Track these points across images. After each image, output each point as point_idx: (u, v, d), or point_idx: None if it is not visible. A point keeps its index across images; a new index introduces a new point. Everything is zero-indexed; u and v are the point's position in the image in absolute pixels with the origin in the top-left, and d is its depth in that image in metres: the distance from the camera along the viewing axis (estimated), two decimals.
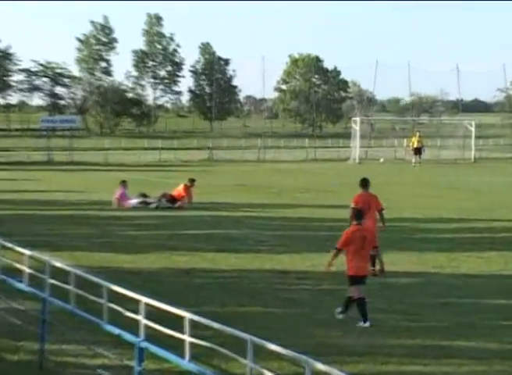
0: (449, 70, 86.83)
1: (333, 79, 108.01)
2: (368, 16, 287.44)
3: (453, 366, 9.84)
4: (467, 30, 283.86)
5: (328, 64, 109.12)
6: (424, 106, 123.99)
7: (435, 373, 9.70)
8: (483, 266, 16.64)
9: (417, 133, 54.45)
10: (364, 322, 11.84)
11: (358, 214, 12.65)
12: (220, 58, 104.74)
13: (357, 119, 61.37)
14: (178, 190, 27.49)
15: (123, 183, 27.49)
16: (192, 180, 27.93)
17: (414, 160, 52.28)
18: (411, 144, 53.99)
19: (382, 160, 56.06)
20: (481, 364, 9.87)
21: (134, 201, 26.82)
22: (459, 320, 12.09)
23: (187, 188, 27.44)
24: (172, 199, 27.04)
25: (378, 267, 15.38)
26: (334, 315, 12.32)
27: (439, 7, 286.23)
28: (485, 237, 20.73)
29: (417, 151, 52.48)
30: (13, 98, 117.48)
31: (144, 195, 27.47)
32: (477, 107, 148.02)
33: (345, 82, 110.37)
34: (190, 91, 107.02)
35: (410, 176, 42.38)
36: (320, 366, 6.32)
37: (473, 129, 61.19)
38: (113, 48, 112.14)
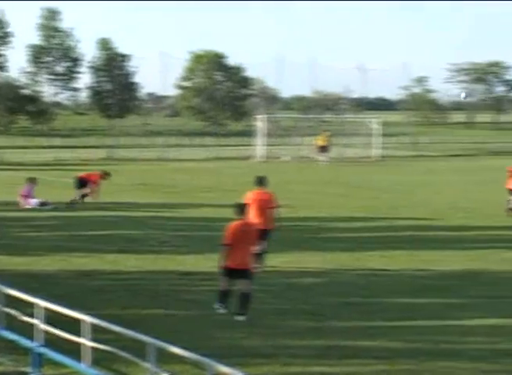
0: (353, 68, 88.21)
1: (236, 76, 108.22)
2: (272, 12, 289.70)
3: (358, 366, 10.01)
4: (371, 27, 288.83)
5: (232, 61, 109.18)
6: (328, 104, 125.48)
7: (339, 374, 9.84)
8: (387, 264, 16.97)
9: (325, 132, 55.60)
10: (220, 308, 12.56)
11: (241, 209, 13.02)
12: (120, 54, 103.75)
13: (261, 116, 61.73)
14: (90, 173, 27.77)
15: (31, 180, 26.97)
16: (106, 174, 28.11)
17: (320, 158, 53.26)
18: (318, 142, 55.08)
19: (286, 158, 56.52)
20: (384, 363, 10.07)
21: (34, 201, 26.34)
22: (363, 320, 12.30)
23: (99, 178, 27.53)
24: (81, 181, 27.04)
25: (260, 265, 15.75)
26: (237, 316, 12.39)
27: (343, 5, 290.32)
28: (389, 235, 21.14)
29: (323, 149, 53.59)
30: None
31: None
32: (381, 105, 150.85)
33: (248, 79, 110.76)
34: (89, 87, 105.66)
35: (314, 175, 42.83)
36: (223, 369, 6.35)
37: (377, 127, 62.28)
38: (8, 42, 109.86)
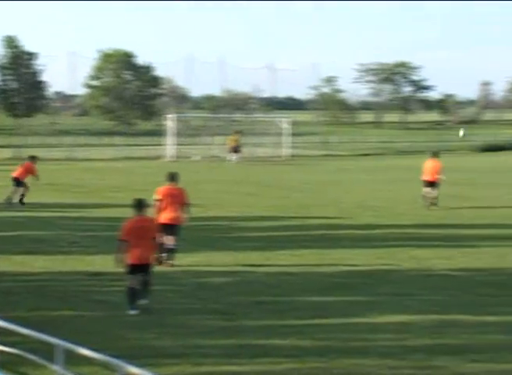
0: (263, 67, 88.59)
1: (145, 75, 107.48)
2: (181, 11, 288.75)
3: (269, 365, 10.07)
4: (281, 27, 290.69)
5: (142, 60, 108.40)
6: (238, 103, 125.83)
7: (250, 373, 9.88)
8: (297, 263, 17.11)
9: (237, 132, 56.22)
10: (132, 310, 12.62)
11: (138, 205, 13.27)
12: (27, 53, 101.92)
13: (171, 116, 61.52)
14: (17, 170, 27.63)
15: None
16: (32, 157, 28.30)
17: (230, 157, 53.82)
18: (229, 142, 55.67)
19: (196, 158, 56.47)
20: (295, 362, 10.15)
21: None
22: (274, 319, 12.37)
23: (31, 165, 27.70)
24: (17, 181, 27.00)
25: (170, 261, 16.42)
26: (147, 316, 12.33)
27: (252, 4, 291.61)
28: (300, 234, 21.32)
29: (235, 149, 54.21)
30: None
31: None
32: (291, 104, 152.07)
33: (158, 78, 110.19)
34: None
35: (225, 174, 42.88)
36: (133, 370, 6.31)
37: (287, 126, 62.75)
38: None
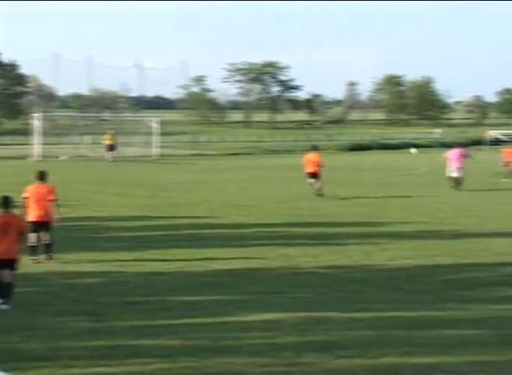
0: (131, 66, 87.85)
1: (11, 73, 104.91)
2: (48, 8, 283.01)
3: (139, 365, 10.00)
4: (149, 25, 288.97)
5: (6, 57, 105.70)
6: (106, 102, 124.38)
7: (120, 374, 9.79)
8: (168, 263, 17.06)
9: (110, 131, 56.21)
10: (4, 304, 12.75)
11: (3, 202, 13.32)
12: None
13: (37, 115, 60.31)
14: None
15: None
16: None
17: (107, 157, 53.83)
18: (105, 141, 55.80)
19: (63, 157, 55.58)
20: (166, 361, 10.12)
21: None
22: (145, 319, 12.30)
23: None
24: None
25: (50, 254, 16.99)
26: (14, 319, 12.04)
27: (123, 4, 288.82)
28: (170, 234, 21.27)
29: (110, 148, 54.43)
30: None
31: None
32: (160, 103, 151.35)
33: (23, 76, 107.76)
34: None
35: (94, 174, 42.31)
36: None
37: (156, 126, 62.49)
38: None
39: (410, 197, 32.11)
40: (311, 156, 32.96)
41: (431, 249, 19.15)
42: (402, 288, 14.84)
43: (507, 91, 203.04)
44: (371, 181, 40.36)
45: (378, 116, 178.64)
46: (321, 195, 31.13)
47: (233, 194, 32.77)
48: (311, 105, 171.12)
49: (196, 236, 21.02)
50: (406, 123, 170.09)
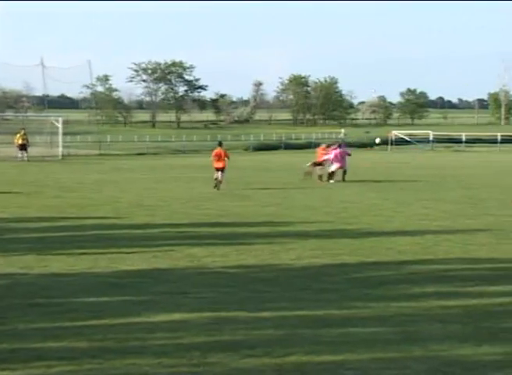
0: (34, 65, 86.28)
1: None
2: None
3: (43, 368, 9.83)
4: (53, 23, 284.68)
5: None
6: (9, 101, 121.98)
7: None
8: (73, 264, 16.83)
9: (22, 131, 56.55)
10: None
11: None
12: None
13: None
14: None
15: None
16: None
17: (22, 155, 54.44)
18: (17, 140, 56.37)
19: None
20: (70, 364, 9.97)
21: None
22: (49, 321, 12.10)
23: None
24: None
25: None
26: None
27: (18, 2, 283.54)
28: (75, 235, 20.99)
29: (22, 147, 55.17)
30: None
31: None
32: (64, 103, 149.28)
33: None
34: None
35: None
36: None
37: (60, 125, 61.58)
38: None
39: (315, 196, 32.46)
40: (218, 151, 36.19)
41: (336, 248, 19.38)
42: (308, 287, 14.98)
43: (410, 91, 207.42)
44: (277, 181, 40.63)
45: (285, 115, 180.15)
46: (219, 189, 34.50)
47: (139, 194, 32.55)
48: (217, 104, 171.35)
49: (102, 236, 20.80)
50: (312, 123, 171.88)
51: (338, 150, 42.20)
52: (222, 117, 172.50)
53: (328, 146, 43.93)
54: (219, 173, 35.48)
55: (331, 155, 41.56)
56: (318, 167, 41.92)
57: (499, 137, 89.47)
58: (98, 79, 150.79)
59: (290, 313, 12.84)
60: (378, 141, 46.82)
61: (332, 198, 31.70)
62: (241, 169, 44.30)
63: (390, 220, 25.02)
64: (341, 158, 41.34)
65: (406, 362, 10.22)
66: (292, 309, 13.08)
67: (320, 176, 40.94)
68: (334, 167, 41.26)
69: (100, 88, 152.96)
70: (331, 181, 40.10)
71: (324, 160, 41.94)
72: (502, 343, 11.11)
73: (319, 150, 43.82)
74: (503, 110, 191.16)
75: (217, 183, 35.24)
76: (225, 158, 35.83)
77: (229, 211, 27.08)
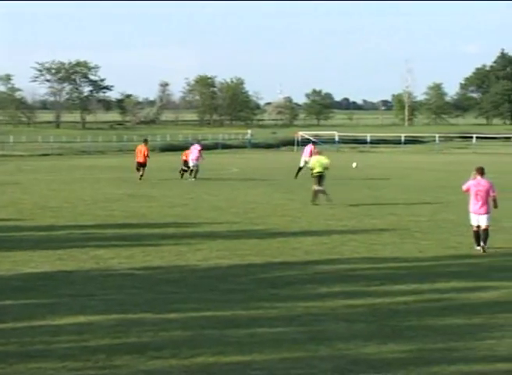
0: None
1: None
2: None
3: None
4: None
5: None
6: None
7: None
8: None
9: None
10: None
11: None
12: None
13: None
14: None
15: None
16: None
17: None
18: None
19: None
20: None
21: None
22: None
23: None
24: None
25: None
26: None
27: None
28: None
29: None
30: None
31: None
32: None
33: None
34: None
35: None
36: None
37: None
38: None
39: (222, 197, 32.52)
40: (141, 147, 41.36)
41: (243, 249, 19.45)
42: (215, 288, 14.99)
43: (316, 92, 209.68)
44: (186, 182, 40.55)
45: (191, 116, 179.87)
46: (140, 179, 39.87)
47: (43, 195, 32.03)
48: (123, 105, 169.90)
49: (4, 239, 20.39)
50: (218, 124, 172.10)
51: None
52: (127, 118, 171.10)
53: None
54: (140, 167, 40.60)
55: None
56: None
57: (402, 138, 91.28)
58: (0, 78, 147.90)
59: (197, 314, 12.83)
60: (354, 165, 47.37)
61: (238, 199, 31.80)
62: (148, 170, 43.87)
63: (297, 220, 25.24)
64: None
65: (312, 361, 10.32)
66: (199, 310, 13.07)
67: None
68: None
69: (1, 88, 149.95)
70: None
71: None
72: (406, 341, 11.33)
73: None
74: (406, 111, 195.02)
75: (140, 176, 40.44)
76: (147, 155, 40.92)
77: (135, 212, 26.89)
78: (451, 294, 14.61)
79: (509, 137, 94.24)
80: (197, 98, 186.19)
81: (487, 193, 19.84)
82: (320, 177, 31.09)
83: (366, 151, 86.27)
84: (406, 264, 17.82)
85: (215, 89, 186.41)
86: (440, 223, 24.85)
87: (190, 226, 23.65)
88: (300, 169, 42.89)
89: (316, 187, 30.73)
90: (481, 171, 20.18)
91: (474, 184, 20.11)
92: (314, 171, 31.36)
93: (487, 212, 19.90)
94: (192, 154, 42.35)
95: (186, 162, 43.23)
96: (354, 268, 17.18)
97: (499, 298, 14.34)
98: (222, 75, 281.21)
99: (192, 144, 45.38)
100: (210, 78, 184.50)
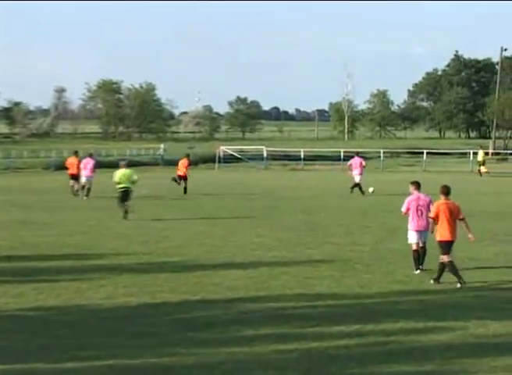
0: None
1: None
2: None
3: None
4: None
5: None
6: None
7: None
8: None
9: None
10: None
11: None
12: None
13: None
14: None
15: None
16: None
17: None
18: None
19: None
20: None
21: None
22: None
23: None
24: None
25: None
26: None
27: None
28: None
29: None
30: None
31: None
32: None
33: None
34: None
35: None
36: None
37: None
38: None
39: (130, 223, 32.35)
40: (72, 160, 46.89)
41: (155, 285, 19.38)
42: (122, 331, 14.91)
43: (240, 100, 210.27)
44: (88, 206, 40.26)
45: (93, 128, 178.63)
46: (77, 195, 44.45)
47: None
48: (11, 114, 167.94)
49: None
50: (126, 137, 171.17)
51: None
52: (16, 130, 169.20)
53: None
54: (73, 180, 45.50)
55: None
56: None
57: (342, 154, 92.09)
58: None
59: (100, 363, 12.73)
60: (371, 190, 48.58)
61: (149, 225, 31.67)
62: (40, 192, 43.56)
63: (219, 251, 25.24)
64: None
65: None
66: (102, 358, 12.98)
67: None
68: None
69: None
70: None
71: None
72: None
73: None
74: (346, 123, 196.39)
75: (72, 191, 44.60)
76: (78, 166, 45.44)
77: (24, 242, 26.58)
78: (399, 336, 14.79)
79: (464, 153, 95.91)
80: (100, 106, 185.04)
81: (428, 208, 21.02)
82: (126, 193, 34.12)
83: (299, 169, 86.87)
84: (346, 301, 17.97)
85: (121, 96, 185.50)
86: (385, 253, 25.12)
87: (91, 258, 23.47)
88: (357, 185, 49.29)
89: (120, 204, 34.03)
90: (417, 185, 21.82)
91: (415, 199, 21.45)
92: (119, 186, 34.12)
93: (428, 229, 21.04)
94: (85, 169, 45.71)
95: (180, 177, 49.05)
96: (286, 306, 17.25)
97: (453, 341, 14.56)
98: (130, 79, 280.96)
99: (84, 157, 48.90)
100: (115, 83, 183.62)
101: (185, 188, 48.08)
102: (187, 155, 51.80)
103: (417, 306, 17.61)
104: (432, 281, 20.10)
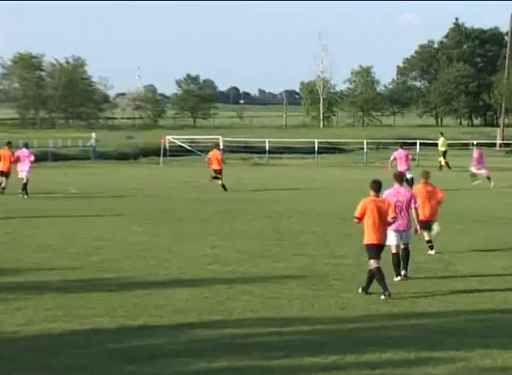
0: None
1: None
2: None
3: None
4: None
5: None
6: None
7: None
8: None
9: None
10: None
11: None
12: None
13: None
14: None
15: None
16: None
17: None
18: None
19: None
20: None
21: None
22: None
23: None
24: None
25: None
26: None
27: None
28: None
29: None
30: None
31: None
32: None
33: None
34: None
35: None
36: None
37: None
38: None
39: (55, 231, 32.24)
40: (4, 152, 47.81)
41: (86, 307, 19.36)
42: (45, 366, 14.88)
43: (191, 79, 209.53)
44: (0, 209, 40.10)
45: (9, 113, 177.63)
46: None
47: None
48: None
49: None
50: (49, 124, 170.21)
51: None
52: None
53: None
54: (3, 177, 47.43)
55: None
56: None
57: (316, 145, 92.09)
58: None
59: None
60: (410, 175, 49.14)
61: (78, 234, 31.57)
62: None
63: (164, 265, 25.24)
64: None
65: None
66: None
67: None
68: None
69: None
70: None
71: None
72: None
73: None
74: (321, 107, 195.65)
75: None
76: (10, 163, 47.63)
77: None
78: (387, 369, 14.85)
79: (467, 144, 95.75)
80: (16, 86, 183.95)
81: (408, 204, 22.04)
82: None
83: (264, 163, 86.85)
84: (322, 327, 18.03)
85: (43, 73, 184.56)
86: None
87: (6, 274, 23.41)
88: (489, 178, 54.46)
89: None
90: (399, 178, 22.77)
91: (392, 194, 22.16)
92: None
93: (410, 228, 22.07)
94: (23, 163, 47.79)
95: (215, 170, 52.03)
96: (247, 333, 17.30)
97: None
98: (54, 53, 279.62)
99: (19, 148, 50.48)
100: (35, 57, 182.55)
101: (223, 185, 50.73)
102: (216, 145, 56.87)
103: (409, 332, 17.69)
104: (359, 290, 20.62)
